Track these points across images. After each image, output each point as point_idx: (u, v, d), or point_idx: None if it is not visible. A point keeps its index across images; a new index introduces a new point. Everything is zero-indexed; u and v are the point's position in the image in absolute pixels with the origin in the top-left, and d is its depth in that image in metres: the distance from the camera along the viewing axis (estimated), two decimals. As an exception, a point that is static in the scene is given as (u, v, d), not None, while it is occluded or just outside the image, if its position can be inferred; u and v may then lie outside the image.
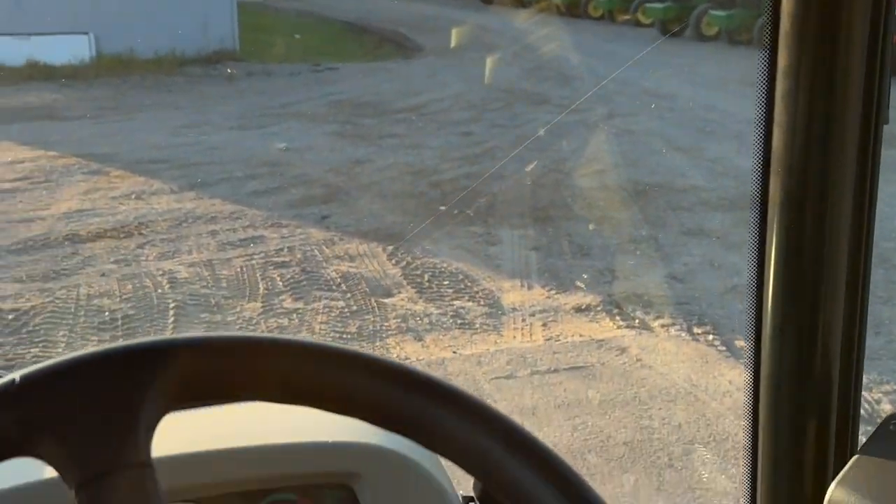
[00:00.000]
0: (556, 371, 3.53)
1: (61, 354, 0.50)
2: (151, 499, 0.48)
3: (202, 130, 7.45)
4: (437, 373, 2.15)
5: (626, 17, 13.44)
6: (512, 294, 4.30)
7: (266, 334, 0.54)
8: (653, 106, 7.93)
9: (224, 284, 4.36)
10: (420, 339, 3.82)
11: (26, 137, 7.02)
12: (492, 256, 4.76)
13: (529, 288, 4.38)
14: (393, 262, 4.64)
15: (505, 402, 3.20)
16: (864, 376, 1.05)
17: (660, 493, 2.77)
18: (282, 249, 4.81)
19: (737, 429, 3.06)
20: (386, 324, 3.96)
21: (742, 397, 3.32)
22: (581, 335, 3.86)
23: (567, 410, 3.20)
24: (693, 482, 2.83)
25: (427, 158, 6.57)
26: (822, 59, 0.89)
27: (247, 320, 3.98)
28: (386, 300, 4.19)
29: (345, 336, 3.84)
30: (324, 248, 4.84)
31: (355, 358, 0.54)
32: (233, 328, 3.84)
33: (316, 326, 3.95)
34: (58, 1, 9.80)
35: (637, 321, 3.99)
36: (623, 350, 3.71)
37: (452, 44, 11.82)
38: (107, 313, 4.03)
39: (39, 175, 6.11)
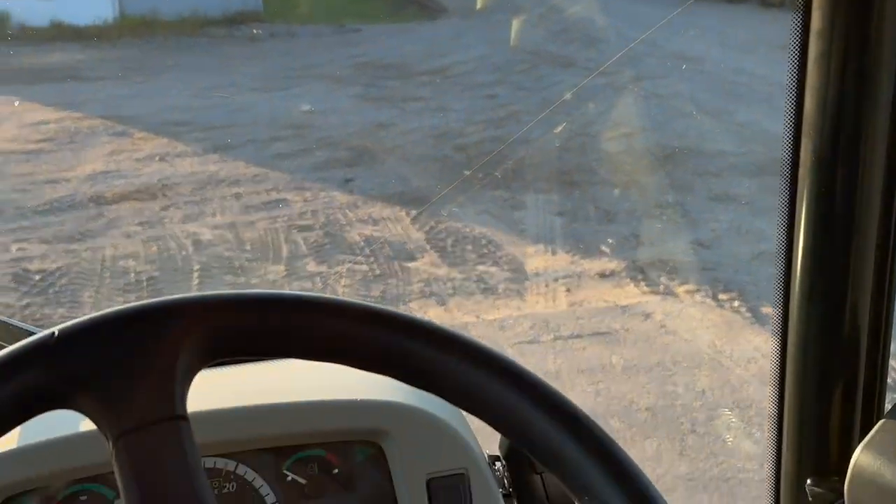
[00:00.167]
0: (579, 336, 3.52)
1: (98, 311, 0.51)
2: (187, 451, 0.50)
3: (226, 92, 7.44)
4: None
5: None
6: (536, 259, 4.28)
7: (298, 292, 0.54)
8: (681, 69, 7.82)
9: (248, 247, 4.36)
10: (443, 304, 3.81)
11: (51, 98, 7.05)
12: (516, 221, 4.74)
13: (553, 253, 4.35)
14: (416, 226, 4.63)
15: (528, 366, 3.19)
16: (892, 341, 1.03)
17: (682, 458, 2.76)
18: (305, 213, 4.81)
19: (761, 396, 3.03)
20: (409, 287, 3.95)
21: (767, 364, 3.29)
22: (605, 301, 3.84)
23: (590, 375, 3.19)
24: (716, 448, 2.81)
25: (451, 121, 6.53)
26: (855, 20, 0.87)
27: (270, 283, 4.00)
28: (409, 264, 4.18)
29: (368, 300, 3.85)
30: (347, 211, 4.83)
31: (385, 315, 0.54)
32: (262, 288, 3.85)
33: (339, 290, 3.95)
34: (82, -38, 9.80)
35: (662, 287, 3.96)
36: (647, 316, 3.69)
37: (478, 5, 11.70)
38: (132, 275, 4.05)
39: (64, 136, 6.13)
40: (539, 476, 0.85)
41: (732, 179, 5.28)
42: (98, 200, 4.96)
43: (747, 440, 2.88)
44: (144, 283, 3.97)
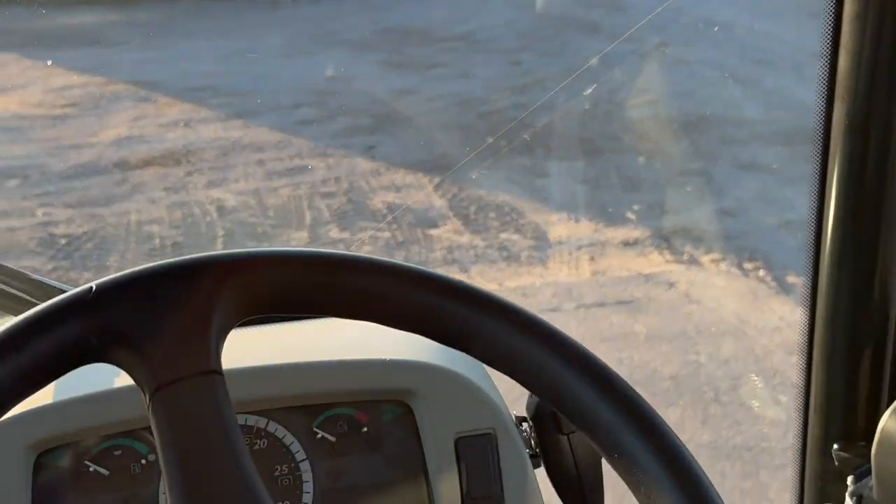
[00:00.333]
0: (602, 305, 3.51)
1: (136, 266, 0.52)
2: (222, 406, 0.50)
3: (249, 58, 7.43)
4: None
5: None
6: (559, 227, 4.27)
7: (333, 250, 0.55)
8: (709, 35, 7.71)
9: (271, 213, 4.38)
10: (465, 271, 3.81)
11: (75, 63, 7.06)
12: (539, 189, 4.72)
13: (577, 221, 4.33)
14: (439, 193, 4.62)
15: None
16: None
17: (705, 426, 2.76)
18: (328, 179, 4.81)
19: (786, 365, 3.02)
20: (432, 255, 3.95)
21: (792, 334, 3.28)
22: (628, 269, 3.82)
23: (612, 343, 3.19)
24: (739, 416, 2.81)
25: (475, 88, 6.49)
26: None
27: (294, 249, 4.01)
28: (432, 231, 4.19)
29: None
30: (370, 178, 4.83)
31: (418, 274, 0.55)
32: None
33: (362, 256, 3.96)
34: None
35: (686, 256, 3.94)
36: (671, 285, 3.67)
37: (503, -29, 11.58)
38: (157, 240, 4.08)
39: (89, 101, 6.16)
40: (566, 437, 0.85)
41: (759, 147, 5.23)
42: (122, 166, 4.99)
43: (771, 409, 2.87)
44: (169, 249, 4.00)
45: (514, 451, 0.84)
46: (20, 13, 7.81)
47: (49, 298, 0.52)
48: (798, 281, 3.65)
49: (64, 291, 0.53)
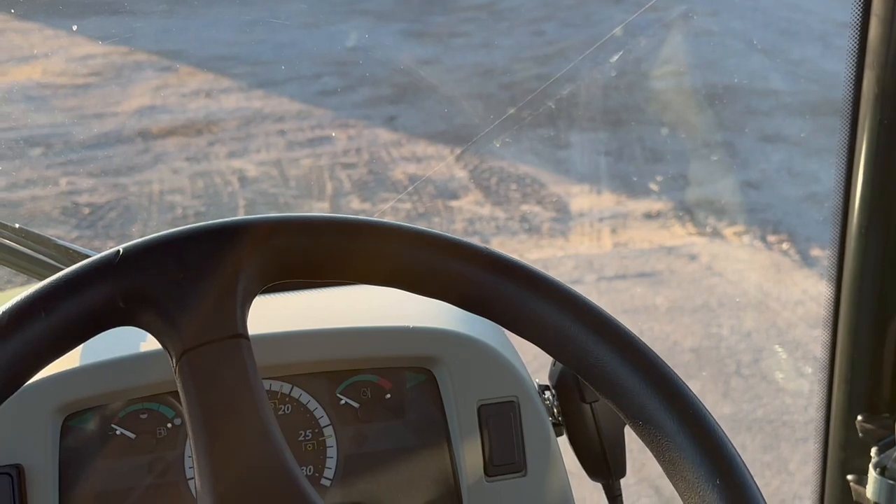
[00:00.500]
0: (623, 277, 3.50)
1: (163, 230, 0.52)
2: (248, 369, 0.51)
3: (270, 27, 7.41)
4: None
5: None
6: (580, 199, 4.25)
7: (359, 217, 0.55)
8: (734, 4, 7.61)
9: (293, 184, 4.39)
10: (486, 243, 3.81)
11: (97, 32, 7.07)
12: (561, 160, 4.69)
13: (598, 193, 4.31)
14: (460, 164, 4.61)
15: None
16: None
17: (726, 399, 2.76)
18: (349, 150, 4.81)
19: (809, 339, 3.01)
20: (453, 226, 3.95)
21: (815, 307, 3.26)
22: (650, 242, 3.81)
23: (633, 316, 3.18)
24: (760, 389, 2.80)
25: (497, 59, 6.44)
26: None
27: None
28: (453, 203, 4.18)
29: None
30: (391, 149, 4.82)
31: (443, 240, 0.55)
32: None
33: (383, 227, 3.96)
34: None
35: (709, 228, 3.91)
36: (693, 257, 3.65)
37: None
38: (179, 210, 4.10)
39: (111, 71, 6.17)
40: (589, 405, 0.86)
41: (784, 119, 5.17)
42: (145, 135, 5.00)
43: (793, 382, 2.86)
44: (192, 218, 4.02)
45: (537, 418, 0.84)
46: (43, -18, 7.82)
47: (75, 264, 0.52)
48: (822, 254, 3.62)
49: (89, 257, 0.53)
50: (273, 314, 0.87)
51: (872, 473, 0.99)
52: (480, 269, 0.55)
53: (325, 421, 0.83)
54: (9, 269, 0.98)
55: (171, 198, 4.22)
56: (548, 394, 0.88)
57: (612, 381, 0.54)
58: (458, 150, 4.77)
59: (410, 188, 4.33)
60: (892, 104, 0.96)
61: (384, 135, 5.02)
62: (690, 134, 5.08)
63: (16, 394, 0.75)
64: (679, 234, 3.87)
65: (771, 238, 3.80)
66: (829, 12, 6.68)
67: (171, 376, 0.51)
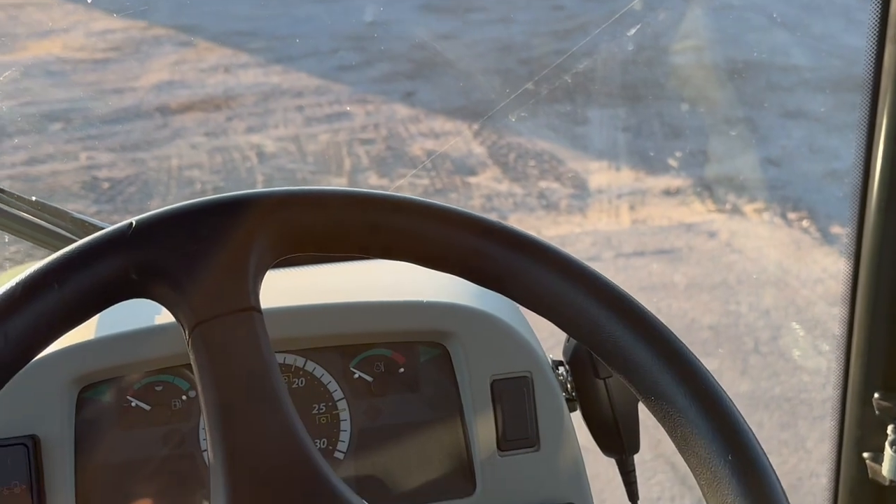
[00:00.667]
0: (641, 254, 3.49)
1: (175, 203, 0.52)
2: (261, 342, 0.50)
3: (288, 2, 7.39)
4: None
5: None
6: (599, 175, 4.23)
7: (372, 190, 0.54)
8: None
9: (311, 160, 4.39)
10: (504, 219, 3.80)
11: (115, 5, 7.08)
12: (579, 136, 4.67)
13: (617, 169, 4.29)
14: (478, 140, 4.59)
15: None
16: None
17: (743, 376, 2.75)
18: (367, 126, 4.80)
19: (828, 317, 2.99)
20: (470, 202, 3.94)
21: (835, 285, 3.24)
22: (669, 218, 3.79)
23: (652, 293, 3.17)
24: (778, 367, 2.79)
25: (516, 34, 6.40)
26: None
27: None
28: (470, 179, 4.17)
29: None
30: (409, 124, 4.81)
31: (455, 214, 0.54)
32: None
33: (400, 202, 3.96)
34: None
35: (729, 205, 3.89)
36: (712, 234, 3.63)
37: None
38: (198, 185, 4.11)
39: (130, 46, 6.18)
40: (603, 381, 0.85)
41: (806, 95, 5.11)
42: (164, 110, 5.01)
43: (812, 360, 2.85)
44: (210, 193, 4.02)
45: (550, 394, 0.84)
46: (61, -43, 7.82)
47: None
48: (842, 231, 3.59)
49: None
50: (287, 289, 0.87)
51: (888, 451, 0.99)
52: (493, 243, 0.54)
53: (338, 394, 0.83)
54: (29, 243, 0.99)
55: (190, 173, 4.24)
56: (561, 369, 0.88)
57: (625, 356, 0.53)
58: (476, 126, 4.75)
59: (427, 162, 4.32)
60: (914, 78, 0.94)
61: (402, 110, 5.00)
62: (710, 110, 5.03)
63: (32, 365, 0.76)
64: (698, 211, 3.85)
65: (791, 215, 3.77)
66: (854, -14, 6.58)
67: (186, 349, 0.51)
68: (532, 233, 0.57)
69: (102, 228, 0.55)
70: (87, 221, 0.91)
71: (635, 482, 0.90)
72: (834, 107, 4.90)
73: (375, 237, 0.54)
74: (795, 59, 5.71)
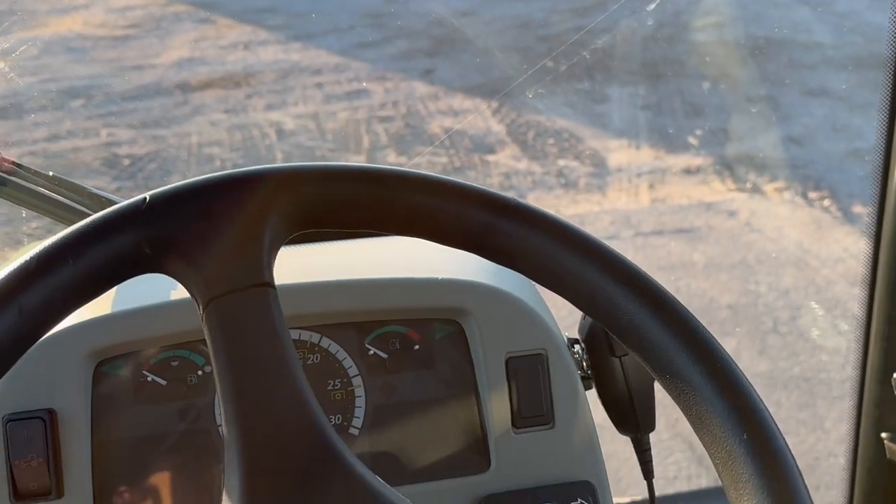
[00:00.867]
0: (660, 233, 3.47)
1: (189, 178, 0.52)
2: (275, 318, 0.50)
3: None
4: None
5: None
6: (618, 154, 4.20)
7: (386, 166, 0.54)
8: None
9: (329, 137, 4.39)
10: (522, 198, 3.78)
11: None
12: (599, 114, 4.64)
13: (637, 148, 4.26)
14: (497, 118, 4.57)
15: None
16: None
17: (762, 356, 2.74)
18: (386, 103, 4.79)
19: (848, 297, 2.97)
20: (489, 180, 3.93)
21: (856, 265, 3.21)
22: (689, 197, 3.76)
23: (670, 272, 3.15)
24: (797, 347, 2.77)
25: (535, 11, 6.35)
26: None
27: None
28: (489, 157, 4.16)
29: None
30: (427, 102, 4.79)
31: (469, 190, 0.54)
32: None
33: (419, 180, 3.96)
34: None
35: (749, 184, 3.86)
36: (732, 213, 3.61)
37: None
38: (217, 162, 4.12)
39: (150, 22, 6.18)
40: (618, 360, 0.85)
41: (828, 73, 5.05)
42: (183, 87, 5.02)
43: (831, 340, 2.83)
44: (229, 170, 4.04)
45: (566, 372, 0.83)
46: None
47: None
48: (864, 211, 3.55)
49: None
50: (302, 265, 0.87)
51: (907, 432, 0.98)
52: (509, 219, 0.54)
53: (353, 371, 0.83)
54: (48, 219, 1.00)
55: (210, 150, 4.25)
56: (577, 347, 0.88)
57: (641, 334, 0.53)
58: (494, 104, 4.73)
59: (444, 139, 4.31)
60: (938, 55, 0.93)
61: (421, 88, 4.99)
62: (731, 87, 4.98)
63: (49, 339, 0.77)
64: (718, 190, 3.82)
65: (812, 194, 3.74)
66: (880, -38, 6.48)
67: (201, 324, 0.51)
68: (549, 210, 0.57)
69: (116, 202, 0.54)
70: (103, 196, 0.91)
71: (651, 461, 0.90)
72: (857, 84, 4.84)
73: (390, 213, 0.54)
74: (818, 36, 5.64)
